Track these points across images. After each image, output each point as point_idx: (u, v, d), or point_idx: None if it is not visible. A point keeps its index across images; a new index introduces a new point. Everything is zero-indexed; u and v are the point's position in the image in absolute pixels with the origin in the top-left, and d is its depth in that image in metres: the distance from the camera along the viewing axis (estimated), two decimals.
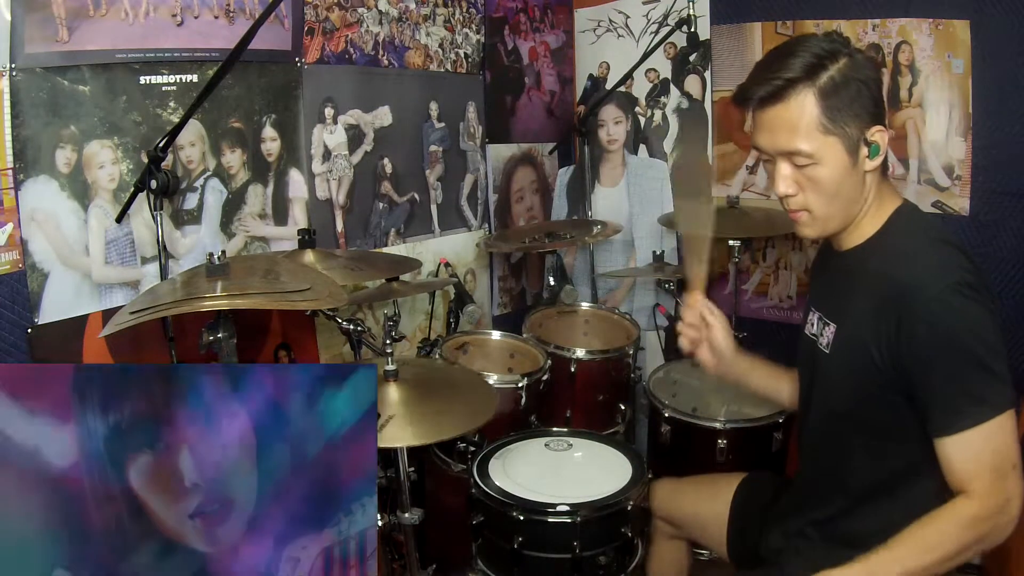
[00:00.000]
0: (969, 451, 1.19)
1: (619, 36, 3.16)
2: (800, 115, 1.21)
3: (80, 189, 1.75)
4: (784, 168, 1.27)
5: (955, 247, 1.29)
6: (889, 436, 1.31)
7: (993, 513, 1.19)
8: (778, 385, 1.69)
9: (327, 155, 2.32)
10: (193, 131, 1.95)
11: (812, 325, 1.47)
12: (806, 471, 1.55)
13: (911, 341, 1.21)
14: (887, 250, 1.31)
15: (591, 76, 3.29)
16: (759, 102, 1.25)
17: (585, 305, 2.76)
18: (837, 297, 1.40)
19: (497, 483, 1.67)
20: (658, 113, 3.11)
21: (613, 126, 3.21)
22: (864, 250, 1.34)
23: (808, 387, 1.49)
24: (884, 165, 1.33)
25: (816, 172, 1.24)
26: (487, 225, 2.97)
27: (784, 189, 1.29)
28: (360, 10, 2.35)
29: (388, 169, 2.52)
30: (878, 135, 1.25)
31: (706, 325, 1.55)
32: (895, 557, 1.23)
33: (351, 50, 2.34)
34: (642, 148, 3.19)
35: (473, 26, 2.79)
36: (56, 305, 1.71)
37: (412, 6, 2.53)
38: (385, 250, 2.53)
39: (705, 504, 1.75)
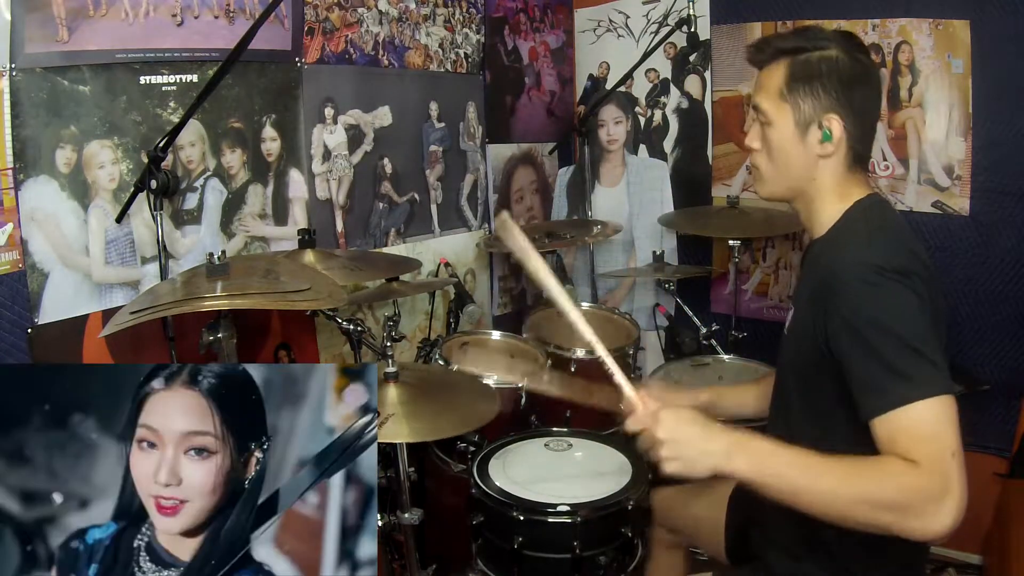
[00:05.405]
0: (905, 430, 1.11)
1: (619, 36, 3.17)
2: (770, 78, 1.39)
3: (80, 189, 1.75)
4: (756, 125, 1.45)
5: (893, 234, 1.31)
6: (831, 426, 1.29)
7: (929, 496, 1.07)
8: (742, 401, 1.71)
9: (327, 155, 2.32)
10: (193, 131, 1.95)
11: (788, 311, 1.54)
12: None
13: (837, 324, 1.22)
14: (831, 239, 1.37)
15: (591, 76, 3.29)
16: (758, 62, 1.44)
17: (585, 305, 2.75)
18: (799, 284, 1.52)
19: (497, 483, 1.67)
20: (658, 113, 3.11)
21: (613, 126, 3.21)
22: (822, 240, 1.41)
23: (778, 371, 1.53)
24: (858, 161, 1.37)
25: (769, 132, 1.40)
26: (487, 225, 2.97)
27: (749, 141, 1.47)
28: (360, 10, 2.35)
29: (388, 169, 2.52)
30: (833, 123, 1.33)
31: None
32: (808, 464, 1.15)
33: (351, 50, 2.34)
34: (642, 148, 3.19)
35: (473, 26, 2.79)
36: (56, 305, 1.71)
37: (412, 6, 2.53)
38: (385, 250, 2.53)
39: (703, 507, 1.75)
